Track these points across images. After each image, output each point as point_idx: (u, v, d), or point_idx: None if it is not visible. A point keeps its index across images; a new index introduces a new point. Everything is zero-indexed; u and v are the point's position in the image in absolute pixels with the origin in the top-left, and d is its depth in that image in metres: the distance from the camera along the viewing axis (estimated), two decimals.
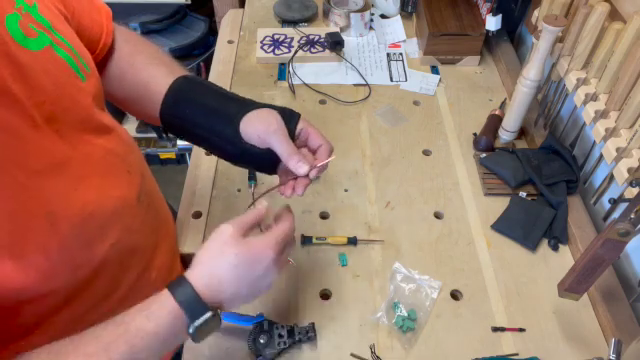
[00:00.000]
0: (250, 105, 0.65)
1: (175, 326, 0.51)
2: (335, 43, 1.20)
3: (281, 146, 0.61)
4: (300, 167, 0.61)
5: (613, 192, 0.80)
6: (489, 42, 1.25)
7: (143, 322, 0.50)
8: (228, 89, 0.78)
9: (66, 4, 0.59)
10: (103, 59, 0.68)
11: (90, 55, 0.60)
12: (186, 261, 0.82)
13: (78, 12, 0.62)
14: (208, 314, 0.52)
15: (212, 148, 0.68)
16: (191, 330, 0.52)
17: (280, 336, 0.71)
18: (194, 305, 0.52)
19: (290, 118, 0.64)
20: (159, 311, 0.51)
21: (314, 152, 0.65)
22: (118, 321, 0.50)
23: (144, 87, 0.68)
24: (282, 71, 1.20)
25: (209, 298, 0.53)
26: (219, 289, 0.53)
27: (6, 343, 0.51)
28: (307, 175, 0.62)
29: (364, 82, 1.18)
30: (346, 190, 0.95)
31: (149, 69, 0.69)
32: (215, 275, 0.54)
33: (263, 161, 0.64)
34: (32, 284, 0.49)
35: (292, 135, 0.63)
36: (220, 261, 0.54)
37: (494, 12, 1.15)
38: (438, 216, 0.92)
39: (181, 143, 2.05)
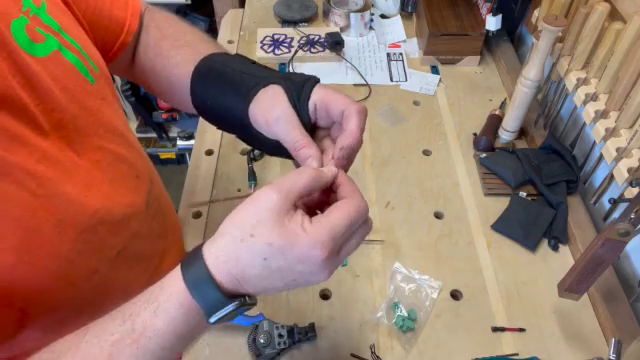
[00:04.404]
0: (265, 80, 0.53)
1: (190, 319, 0.42)
2: (335, 43, 1.21)
3: (285, 137, 0.49)
4: (310, 164, 0.48)
5: (613, 192, 0.80)
6: (489, 42, 1.25)
7: (151, 318, 0.41)
8: None
9: (76, 2, 0.57)
10: (127, 51, 0.65)
11: (99, 54, 0.58)
12: None
13: (91, 9, 0.60)
14: (230, 307, 0.41)
15: (242, 139, 0.58)
16: (212, 321, 0.42)
17: (280, 336, 0.71)
18: (211, 296, 0.40)
19: (300, 92, 0.51)
20: (167, 303, 0.41)
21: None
22: (124, 316, 0.43)
23: (174, 77, 0.61)
24: (282, 71, 1.19)
25: (232, 288, 0.41)
26: (243, 279, 0.41)
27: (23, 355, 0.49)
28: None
29: (364, 82, 1.18)
30: None
31: (174, 55, 0.62)
32: (239, 264, 0.40)
33: (285, 152, 0.51)
34: (49, 291, 0.49)
35: (306, 115, 0.51)
36: (247, 247, 0.40)
37: (494, 12, 1.15)
38: (438, 216, 0.92)
39: (181, 143, 2.05)
